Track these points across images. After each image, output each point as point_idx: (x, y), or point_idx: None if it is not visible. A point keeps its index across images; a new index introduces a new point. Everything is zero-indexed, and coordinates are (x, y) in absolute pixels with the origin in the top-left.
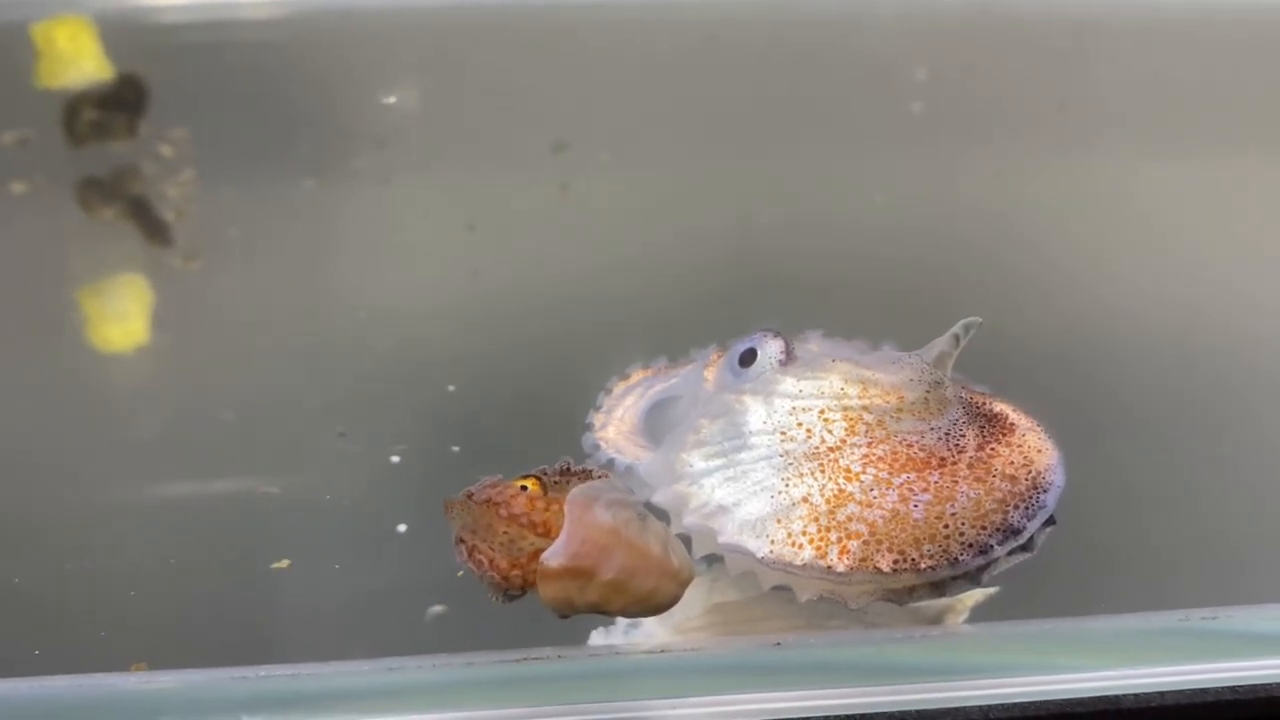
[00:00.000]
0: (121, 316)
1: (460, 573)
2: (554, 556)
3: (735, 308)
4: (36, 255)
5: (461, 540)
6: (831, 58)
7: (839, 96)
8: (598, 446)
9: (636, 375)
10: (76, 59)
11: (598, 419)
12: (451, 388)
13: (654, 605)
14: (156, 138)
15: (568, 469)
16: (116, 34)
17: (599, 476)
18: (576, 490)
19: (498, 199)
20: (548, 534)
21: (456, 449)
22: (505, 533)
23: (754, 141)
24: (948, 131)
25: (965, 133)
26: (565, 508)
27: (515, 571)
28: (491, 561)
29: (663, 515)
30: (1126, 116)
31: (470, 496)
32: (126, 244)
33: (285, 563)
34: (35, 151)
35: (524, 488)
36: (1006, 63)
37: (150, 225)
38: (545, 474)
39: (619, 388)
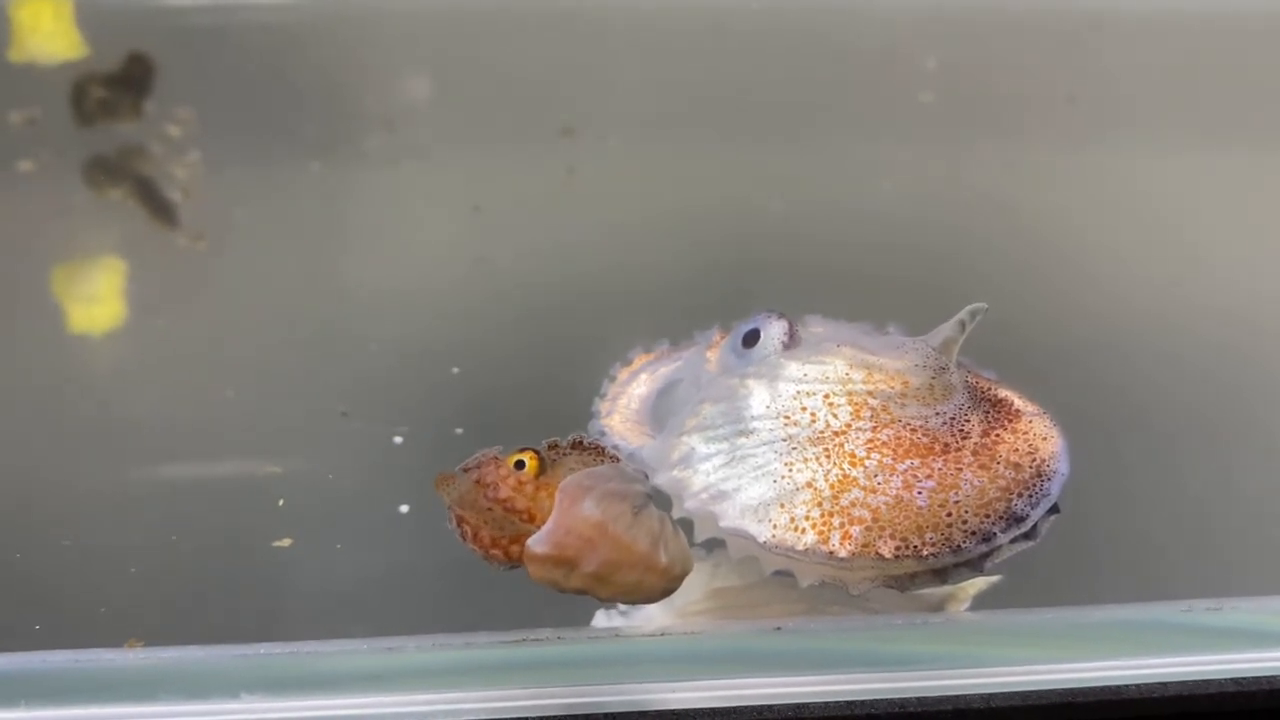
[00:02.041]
0: (91, 299)
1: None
2: (538, 543)
3: (741, 293)
4: (42, 233)
5: (452, 509)
6: (841, 45)
7: (848, 84)
8: (603, 433)
9: (639, 360)
10: (35, 34)
11: (603, 406)
12: (455, 370)
13: (641, 597)
14: (164, 118)
15: (579, 443)
16: (125, 15)
17: (611, 455)
18: (572, 478)
19: (504, 183)
20: (532, 520)
21: (460, 431)
22: (490, 511)
23: (762, 128)
24: (957, 121)
25: (974, 123)
26: (556, 495)
27: (496, 550)
28: (477, 535)
29: (665, 499)
30: (1136, 110)
31: (466, 470)
32: (132, 223)
33: (287, 541)
34: (43, 130)
35: (521, 463)
36: (1017, 53)
37: (156, 205)
38: (556, 446)
39: (623, 374)
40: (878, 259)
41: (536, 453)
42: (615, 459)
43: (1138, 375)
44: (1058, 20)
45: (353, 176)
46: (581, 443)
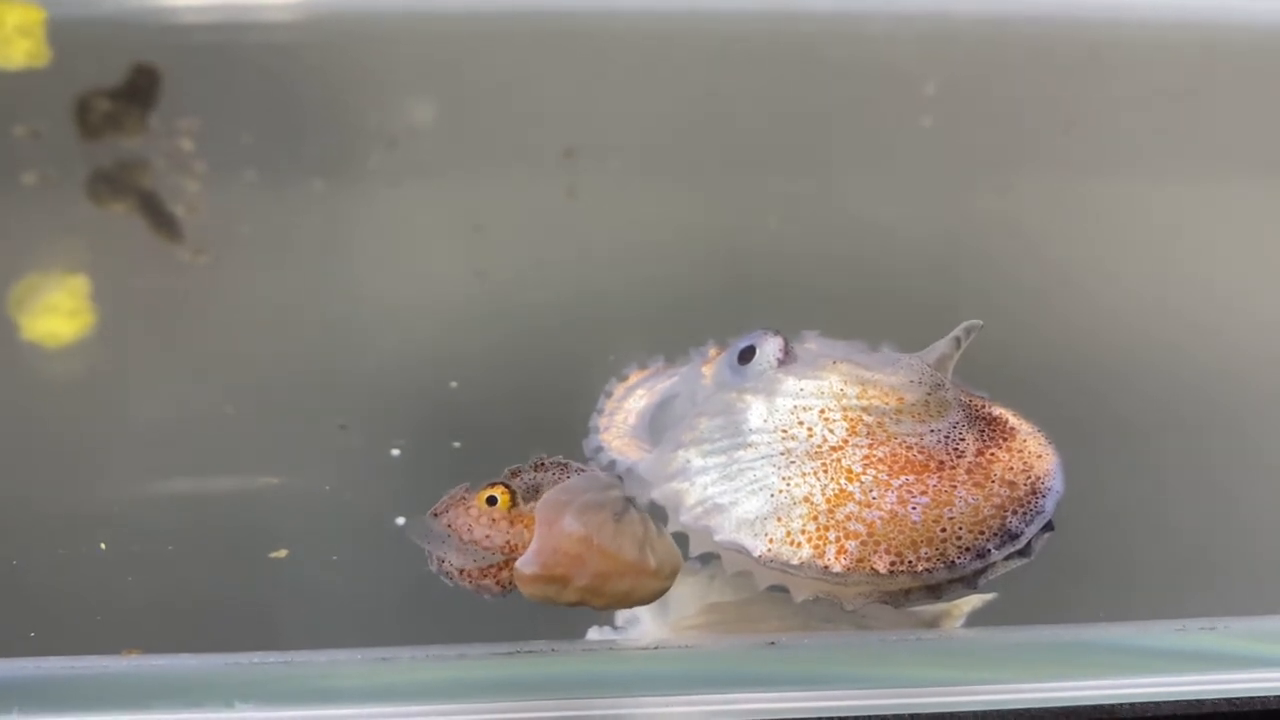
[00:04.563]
0: (89, 311)
1: None
2: (526, 564)
3: (738, 313)
4: (43, 246)
5: (431, 555)
6: (841, 70)
7: (848, 108)
8: (600, 449)
9: (634, 376)
10: None
11: (601, 422)
12: (454, 384)
13: (635, 602)
14: (170, 133)
15: (541, 464)
16: (132, 31)
17: (577, 469)
18: (547, 496)
19: (506, 202)
20: (513, 551)
21: (457, 444)
22: (471, 551)
23: (762, 151)
24: (955, 146)
25: (973, 148)
26: (535, 516)
27: (487, 579)
28: (463, 572)
29: (661, 513)
30: (1133, 137)
31: (437, 515)
32: (134, 237)
33: (283, 552)
34: (47, 144)
35: (492, 499)
36: (1016, 80)
37: (159, 219)
38: (518, 472)
39: (619, 390)
40: (875, 282)
41: (507, 486)
42: (581, 470)
43: (1133, 395)
44: (1057, 48)
45: (355, 194)
46: (543, 463)
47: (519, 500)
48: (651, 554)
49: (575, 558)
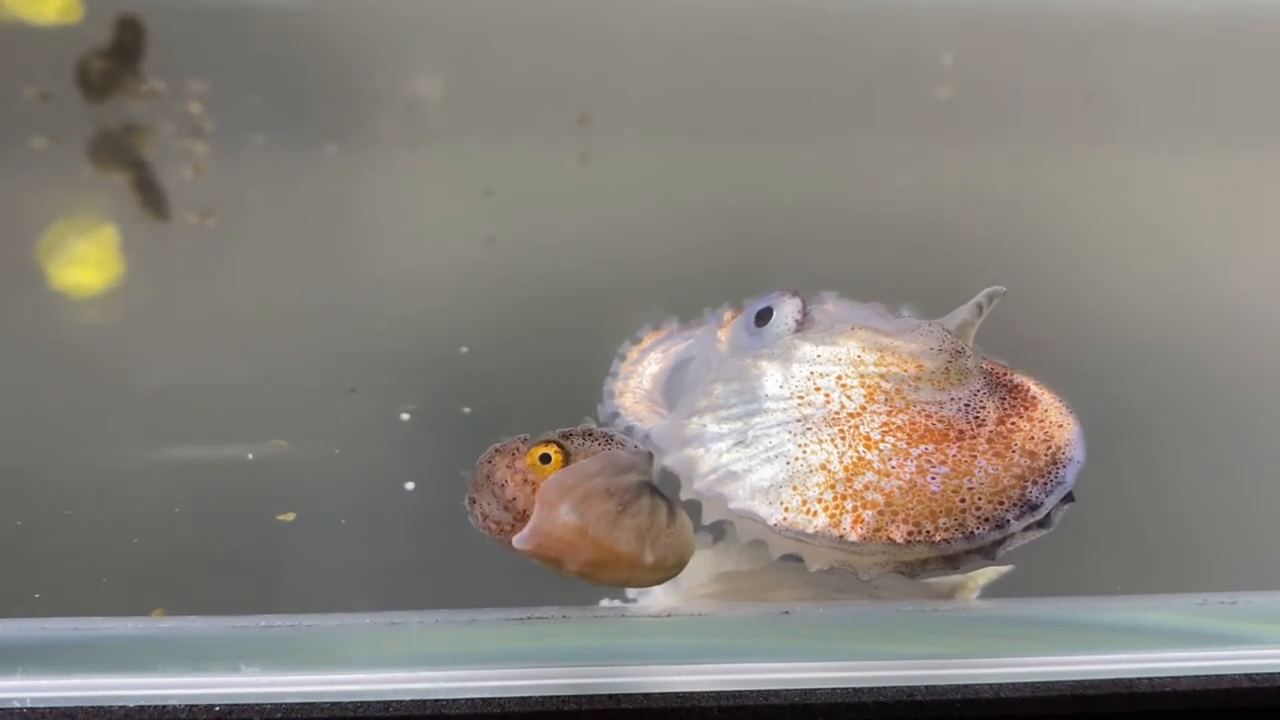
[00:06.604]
0: (100, 273)
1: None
2: (521, 541)
3: (751, 280)
4: (50, 207)
5: (470, 496)
6: (859, 39)
7: (865, 77)
8: (616, 414)
9: (648, 339)
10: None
11: (616, 386)
12: (464, 349)
13: (635, 586)
14: (178, 96)
15: (590, 433)
16: None
17: (618, 442)
18: (553, 479)
19: (518, 168)
20: (527, 519)
21: (467, 409)
22: (499, 502)
23: (777, 120)
24: (972, 117)
25: (989, 119)
26: (536, 498)
27: (503, 536)
28: (486, 518)
29: (674, 480)
30: (1153, 110)
31: (488, 461)
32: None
33: (291, 515)
34: (56, 106)
35: (547, 456)
36: (1035, 52)
37: (149, 196)
38: (571, 435)
39: (634, 353)
40: (891, 250)
41: (562, 447)
42: (622, 444)
43: (1153, 369)
44: (1076, 19)
45: (368, 158)
46: (591, 432)
47: (570, 463)
48: (650, 549)
49: (568, 544)
